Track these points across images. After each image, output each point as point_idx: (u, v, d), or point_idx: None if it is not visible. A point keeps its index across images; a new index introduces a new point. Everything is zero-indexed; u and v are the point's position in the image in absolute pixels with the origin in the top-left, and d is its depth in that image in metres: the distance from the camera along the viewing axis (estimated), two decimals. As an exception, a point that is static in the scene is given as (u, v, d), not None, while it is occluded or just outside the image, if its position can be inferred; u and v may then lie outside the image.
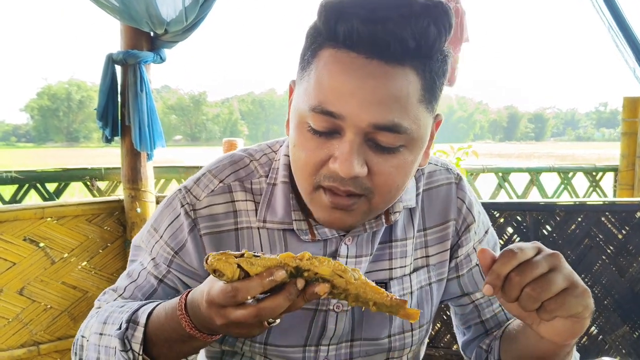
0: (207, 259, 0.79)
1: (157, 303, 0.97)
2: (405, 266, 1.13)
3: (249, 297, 0.77)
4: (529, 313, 0.86)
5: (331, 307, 1.08)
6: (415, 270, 1.14)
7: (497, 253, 1.21)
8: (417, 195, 1.14)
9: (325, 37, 0.88)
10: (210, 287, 0.82)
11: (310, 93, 0.89)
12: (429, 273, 1.16)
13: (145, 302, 1.02)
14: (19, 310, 2.72)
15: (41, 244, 2.77)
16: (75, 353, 1.07)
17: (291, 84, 1.01)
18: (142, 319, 0.94)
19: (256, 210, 1.07)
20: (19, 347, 2.72)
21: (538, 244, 0.87)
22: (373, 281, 1.09)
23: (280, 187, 1.06)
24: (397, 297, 0.84)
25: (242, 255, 0.79)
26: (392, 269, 1.12)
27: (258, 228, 1.07)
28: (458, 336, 1.29)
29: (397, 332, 1.14)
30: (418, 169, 1.15)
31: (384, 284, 1.10)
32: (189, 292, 0.89)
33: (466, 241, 1.17)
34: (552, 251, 0.86)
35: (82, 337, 1.06)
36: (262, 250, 1.07)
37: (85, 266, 2.90)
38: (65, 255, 2.84)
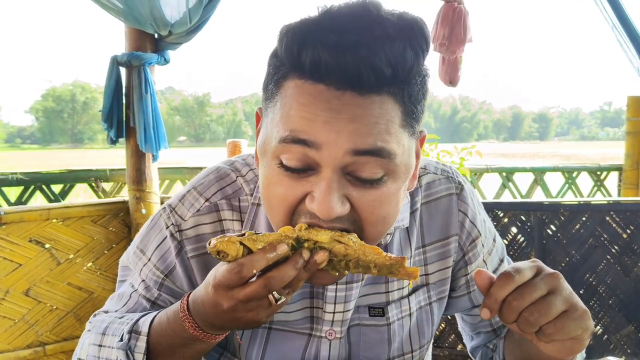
0: (210, 242, 0.79)
1: (157, 312, 0.96)
2: (402, 288, 1.07)
3: (254, 271, 0.76)
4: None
5: (323, 335, 1.03)
6: (414, 290, 1.08)
7: (505, 258, 1.19)
8: (415, 211, 1.07)
9: (288, 67, 0.79)
10: (215, 273, 0.81)
11: (278, 123, 0.80)
12: (429, 292, 1.10)
13: (145, 312, 1.00)
14: (25, 311, 2.73)
15: (47, 245, 2.78)
16: None
17: (258, 112, 0.92)
18: (145, 328, 0.93)
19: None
20: (25, 347, 2.74)
21: (538, 262, 0.84)
22: (368, 306, 1.05)
23: (264, 208, 1.00)
24: (395, 255, 0.83)
25: (242, 235, 0.79)
26: (388, 292, 1.06)
27: None
28: (465, 339, 1.27)
29: (396, 355, 1.09)
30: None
31: (381, 309, 1.05)
32: (190, 293, 0.88)
33: (475, 257, 1.12)
34: (551, 271, 0.83)
35: (79, 359, 1.03)
36: None
37: (91, 267, 2.92)
38: (71, 256, 2.85)
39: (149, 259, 1.04)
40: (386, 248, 1.04)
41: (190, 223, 1.02)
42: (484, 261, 1.15)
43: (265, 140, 0.84)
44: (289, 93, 0.80)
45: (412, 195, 1.08)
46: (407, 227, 1.07)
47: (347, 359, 1.07)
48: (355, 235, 0.82)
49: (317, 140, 0.77)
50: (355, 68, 0.74)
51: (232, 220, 1.03)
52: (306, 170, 0.80)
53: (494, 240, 1.17)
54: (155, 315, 0.94)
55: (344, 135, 0.76)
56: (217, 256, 0.79)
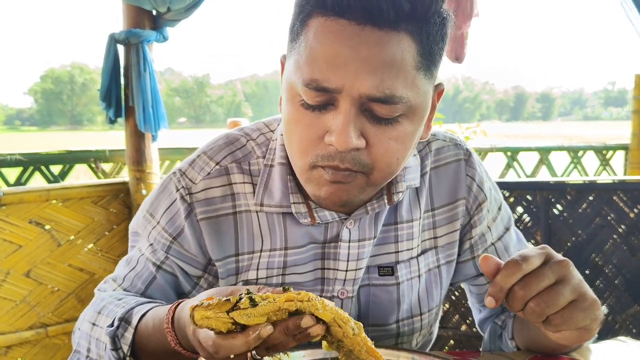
0: (193, 315, 0.71)
1: (151, 306, 0.94)
2: (412, 249, 1.09)
3: (231, 356, 0.71)
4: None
5: (336, 294, 1.05)
6: (423, 252, 1.10)
7: (512, 229, 1.19)
8: (424, 174, 1.09)
9: (313, 4, 0.82)
10: (195, 332, 0.76)
11: (302, 67, 0.83)
12: (438, 255, 1.12)
13: (142, 300, 0.98)
14: (26, 292, 2.72)
15: (47, 227, 2.75)
16: (73, 342, 1.05)
17: (282, 59, 0.95)
18: (135, 320, 0.91)
19: (254, 192, 1.02)
20: (27, 329, 2.73)
21: (547, 249, 0.82)
22: (378, 266, 1.07)
23: (278, 168, 1.01)
24: None
25: (235, 305, 0.71)
26: (398, 252, 1.08)
27: (257, 211, 1.02)
28: (474, 313, 1.27)
29: (405, 317, 1.11)
30: (424, 146, 1.11)
31: (390, 268, 1.07)
32: (178, 304, 0.85)
33: (479, 221, 1.13)
34: (560, 258, 0.81)
35: (79, 329, 1.04)
36: (261, 235, 1.02)
37: (92, 248, 2.89)
38: (72, 237, 2.83)
39: (158, 222, 1.04)
40: (396, 207, 1.06)
41: (201, 186, 1.02)
42: (488, 227, 1.15)
43: (289, 82, 0.87)
44: (312, 32, 0.83)
45: (422, 159, 1.09)
46: (416, 188, 1.08)
47: (356, 319, 1.07)
48: (361, 326, 0.78)
49: (336, 86, 0.81)
50: (375, 3, 0.78)
51: (243, 183, 1.03)
52: (326, 106, 0.84)
53: (500, 208, 1.17)
54: (148, 310, 0.92)
55: (360, 78, 0.80)
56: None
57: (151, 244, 1.05)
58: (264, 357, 0.76)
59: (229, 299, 0.72)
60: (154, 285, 1.04)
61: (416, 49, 0.82)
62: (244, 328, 0.71)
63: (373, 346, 0.78)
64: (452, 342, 2.76)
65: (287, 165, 1.01)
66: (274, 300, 0.72)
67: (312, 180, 0.90)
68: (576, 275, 0.82)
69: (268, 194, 1.01)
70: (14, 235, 2.66)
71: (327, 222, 1.02)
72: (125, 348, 0.91)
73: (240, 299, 0.72)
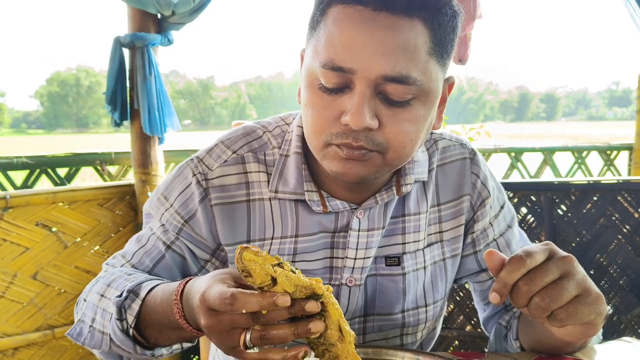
0: (242, 254, 0.73)
1: (161, 282, 0.96)
2: (418, 241, 1.12)
3: (243, 311, 0.72)
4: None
5: (344, 282, 1.08)
6: (429, 245, 1.14)
7: (515, 227, 1.21)
8: (431, 170, 1.13)
9: None
10: (207, 287, 0.77)
11: (320, 51, 0.88)
12: (443, 248, 1.15)
13: (152, 277, 1.01)
14: (33, 294, 2.74)
15: (53, 229, 2.77)
16: (77, 312, 1.07)
17: (301, 52, 1.00)
18: (143, 293, 0.93)
19: (268, 181, 1.06)
20: (34, 330, 2.75)
21: (551, 245, 0.83)
22: (385, 256, 1.10)
23: (293, 157, 1.05)
24: None
25: (279, 264, 0.74)
26: (405, 243, 1.11)
27: (270, 199, 1.06)
28: (479, 312, 1.29)
29: (411, 308, 1.13)
30: (432, 144, 1.15)
31: (397, 258, 1.10)
32: (189, 280, 0.86)
33: (482, 216, 1.16)
34: (564, 254, 0.82)
35: (84, 300, 1.05)
36: (273, 223, 1.06)
37: (98, 250, 2.91)
38: (78, 239, 2.84)
39: (171, 204, 1.07)
40: (404, 200, 1.10)
41: (217, 173, 1.05)
42: (490, 223, 1.18)
43: (308, 68, 0.91)
44: (331, 18, 0.87)
45: (430, 155, 1.14)
46: (423, 183, 1.12)
47: (363, 309, 1.11)
48: (354, 335, 0.79)
49: (352, 66, 0.85)
50: None
51: (258, 172, 1.06)
52: (343, 89, 0.88)
53: (502, 207, 1.21)
54: (157, 285, 0.94)
55: (375, 60, 0.84)
56: (242, 273, 0.74)
57: (162, 225, 1.08)
58: (254, 348, 0.76)
59: (275, 257, 0.75)
60: (162, 264, 1.07)
61: (429, 35, 0.86)
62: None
63: (359, 357, 0.79)
64: (456, 342, 2.76)
65: (302, 155, 1.05)
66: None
67: (327, 157, 0.94)
68: (580, 270, 0.83)
69: (283, 181, 1.05)
70: (20, 237, 2.68)
71: (338, 211, 1.05)
72: (130, 319, 0.92)
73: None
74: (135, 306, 0.92)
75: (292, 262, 1.06)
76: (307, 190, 1.04)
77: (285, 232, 1.06)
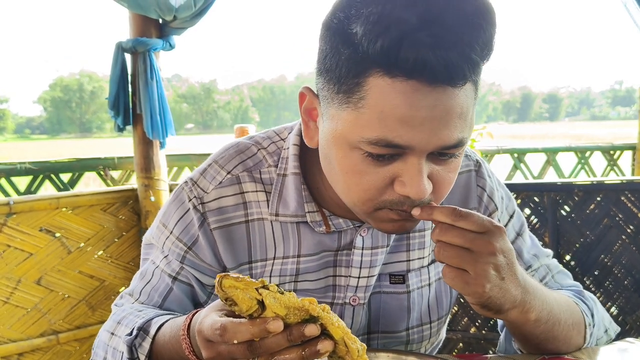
0: (221, 282, 0.70)
1: (172, 316, 0.95)
2: (423, 257, 1.10)
3: (235, 341, 0.70)
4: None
5: (348, 301, 1.05)
6: (434, 261, 1.11)
7: (526, 234, 1.20)
8: None
9: (376, 62, 0.76)
10: (203, 317, 0.76)
11: (365, 125, 0.80)
12: None
13: (161, 312, 0.99)
14: (38, 300, 2.74)
15: (57, 234, 2.78)
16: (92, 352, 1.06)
17: (304, 91, 0.92)
18: (153, 330, 0.91)
19: (267, 200, 1.02)
20: (38, 336, 2.76)
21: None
22: (389, 274, 1.07)
23: (292, 178, 1.01)
24: None
25: (264, 287, 0.70)
26: (409, 260, 1.08)
27: (270, 220, 1.03)
28: None
29: (415, 325, 1.11)
30: None
31: (402, 276, 1.08)
32: (196, 312, 0.84)
33: None
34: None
35: (98, 339, 1.05)
36: (274, 243, 1.03)
37: (102, 255, 2.92)
38: (82, 244, 2.85)
39: (171, 232, 1.04)
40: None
41: (213, 195, 1.02)
42: None
43: (343, 135, 0.83)
44: (378, 92, 0.78)
45: None
46: None
47: (367, 326, 1.09)
48: (365, 347, 0.76)
49: (410, 143, 0.79)
50: (454, 64, 0.74)
51: (256, 191, 1.03)
52: (394, 156, 0.82)
53: (512, 216, 1.18)
54: (167, 320, 0.92)
55: (435, 135, 0.79)
56: (225, 302, 0.71)
57: (165, 256, 1.05)
58: None
59: (260, 280, 0.72)
60: (172, 297, 1.04)
61: (473, 88, 0.82)
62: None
63: None
64: (461, 344, 2.75)
65: (301, 175, 1.01)
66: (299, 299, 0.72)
67: (376, 219, 0.90)
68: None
69: (283, 203, 1.02)
70: (24, 243, 2.69)
71: (341, 230, 1.03)
72: (142, 358, 0.91)
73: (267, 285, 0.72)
74: (146, 344, 0.91)
75: (294, 281, 1.04)
76: (309, 212, 1.00)
77: (288, 252, 1.03)
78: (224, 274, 0.71)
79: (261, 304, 0.70)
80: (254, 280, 0.71)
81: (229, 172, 1.03)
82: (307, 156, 1.01)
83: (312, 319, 0.72)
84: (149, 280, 1.06)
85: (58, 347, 2.81)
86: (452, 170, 0.88)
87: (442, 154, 0.84)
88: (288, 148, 1.04)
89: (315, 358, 0.72)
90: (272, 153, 1.05)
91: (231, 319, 0.71)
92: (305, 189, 1.01)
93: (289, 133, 1.07)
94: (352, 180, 0.86)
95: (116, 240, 2.95)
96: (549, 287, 1.17)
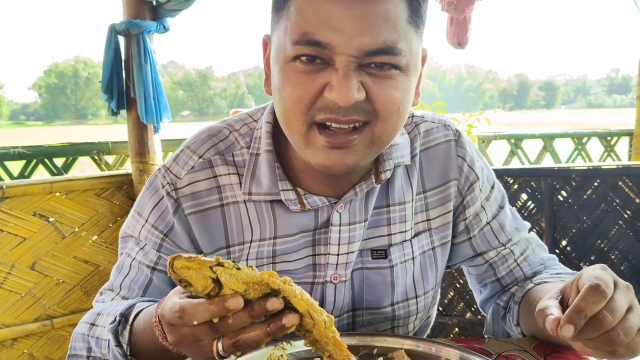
0: (172, 264, 0.67)
1: (150, 303, 0.93)
2: (405, 231, 1.08)
3: (195, 322, 0.69)
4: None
5: (329, 279, 1.04)
6: (417, 235, 1.10)
7: (507, 207, 1.19)
8: (414, 156, 1.08)
9: None
10: (165, 301, 0.75)
11: (292, 28, 0.83)
12: (432, 237, 1.11)
13: (143, 299, 0.98)
14: (32, 285, 2.73)
15: (51, 219, 2.76)
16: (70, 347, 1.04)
17: (265, 39, 0.96)
18: (131, 319, 0.90)
19: (240, 183, 1.01)
20: (32, 321, 2.74)
21: (608, 268, 0.79)
22: (371, 249, 1.06)
23: (264, 156, 1.00)
24: None
25: (219, 264, 0.68)
26: (391, 234, 1.07)
27: (244, 202, 1.01)
28: (475, 294, 1.27)
29: (400, 300, 1.10)
30: (413, 128, 1.10)
31: (383, 251, 1.07)
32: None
33: (472, 201, 1.13)
34: (625, 282, 0.78)
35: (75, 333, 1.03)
36: (250, 226, 1.02)
37: (96, 240, 2.90)
38: (76, 229, 2.83)
39: (146, 220, 1.02)
40: (387, 184, 1.06)
41: (186, 181, 1.01)
42: (482, 206, 1.15)
43: (278, 50, 0.86)
44: None
45: (412, 140, 1.09)
46: (407, 170, 1.08)
47: (351, 303, 1.08)
48: (333, 319, 0.75)
49: (330, 41, 0.80)
50: None
51: (228, 174, 1.02)
52: (321, 64, 0.83)
53: (493, 187, 1.17)
54: (143, 309, 0.91)
55: (356, 35, 0.80)
56: (179, 284, 0.68)
57: (142, 247, 1.03)
58: (239, 356, 0.72)
59: (215, 258, 0.69)
60: (152, 288, 1.03)
61: (406, 4, 0.84)
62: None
63: (340, 339, 0.76)
64: (456, 329, 2.76)
65: (274, 153, 1.00)
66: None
67: (311, 146, 0.88)
68: (635, 299, 0.79)
69: (256, 182, 1.00)
70: (18, 227, 2.66)
71: (317, 208, 1.01)
72: (125, 346, 0.90)
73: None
74: (126, 333, 0.89)
75: (272, 263, 1.02)
76: (283, 190, 0.99)
77: (264, 234, 1.02)
78: (175, 254, 0.68)
79: (217, 282, 0.67)
80: (208, 258, 0.68)
81: (200, 157, 1.02)
82: (282, 135, 0.98)
83: (274, 293, 0.69)
84: (127, 273, 1.04)
85: (53, 332, 2.80)
86: (395, 88, 0.85)
87: (376, 72, 0.83)
88: (261, 127, 1.03)
89: (281, 333, 0.70)
90: (245, 135, 1.04)
91: (190, 300, 0.69)
92: (279, 167, 1.00)
93: (262, 114, 1.06)
94: (286, 93, 0.86)
95: (110, 225, 2.93)
96: (529, 260, 1.17)
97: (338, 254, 1.03)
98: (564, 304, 0.80)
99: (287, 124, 0.90)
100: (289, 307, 0.71)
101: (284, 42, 0.85)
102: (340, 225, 1.02)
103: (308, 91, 0.84)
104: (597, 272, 0.77)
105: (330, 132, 0.86)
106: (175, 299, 0.72)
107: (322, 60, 0.83)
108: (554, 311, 0.75)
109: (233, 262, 0.69)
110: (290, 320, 0.70)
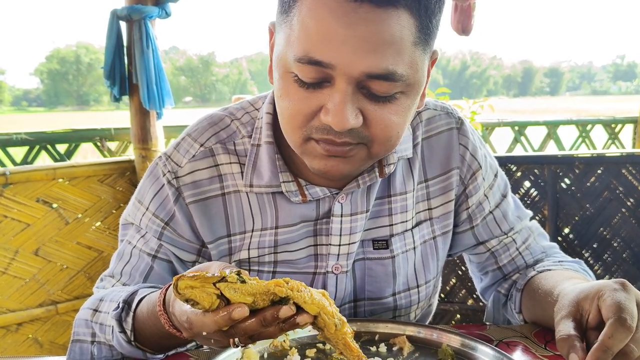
0: (177, 284, 0.67)
1: (152, 290, 0.93)
2: (406, 221, 1.08)
3: (204, 333, 0.70)
4: None
5: (330, 270, 1.04)
6: (418, 224, 1.09)
7: (509, 195, 1.18)
8: (416, 145, 1.07)
9: None
10: (172, 301, 0.76)
11: (294, 42, 0.80)
12: (433, 226, 1.11)
13: (145, 285, 0.98)
14: (36, 270, 2.75)
15: (54, 205, 2.77)
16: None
17: (270, 27, 0.93)
18: (134, 305, 0.90)
19: (242, 172, 1.01)
20: (37, 306, 2.77)
21: (627, 285, 0.78)
22: (372, 240, 1.06)
23: (265, 148, 0.99)
24: None
25: (223, 279, 0.68)
26: (392, 225, 1.07)
27: (246, 192, 1.01)
28: (475, 282, 1.27)
29: (402, 290, 1.10)
30: (415, 116, 1.09)
31: (385, 242, 1.06)
32: (169, 286, 0.83)
33: (475, 189, 1.12)
34: None
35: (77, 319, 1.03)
36: (252, 215, 1.02)
37: (99, 226, 2.91)
38: (79, 215, 2.85)
39: (147, 208, 1.02)
40: (389, 179, 1.05)
41: (187, 169, 1.01)
42: (485, 195, 1.14)
43: (280, 56, 0.84)
44: (306, 6, 0.78)
45: (414, 129, 1.07)
46: (409, 160, 1.07)
47: (352, 294, 1.08)
48: (345, 321, 0.75)
49: (332, 61, 0.77)
50: None
51: (230, 163, 1.01)
52: (321, 83, 0.81)
53: (496, 175, 1.16)
54: (146, 295, 0.91)
55: (358, 56, 0.77)
56: (187, 302, 0.68)
57: (143, 235, 1.03)
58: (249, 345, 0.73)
59: (220, 273, 0.69)
60: (153, 275, 1.03)
61: (415, 25, 0.79)
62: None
63: (352, 340, 0.76)
64: (458, 316, 2.77)
65: (275, 144, 0.99)
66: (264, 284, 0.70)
67: (307, 153, 0.89)
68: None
69: (257, 174, 1.00)
70: (21, 214, 2.68)
71: (319, 199, 1.01)
72: (129, 333, 0.90)
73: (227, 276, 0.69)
74: (130, 319, 0.90)
75: (274, 252, 1.02)
76: (284, 182, 0.98)
77: (265, 224, 1.02)
78: (178, 275, 0.68)
79: (223, 297, 0.68)
80: (211, 275, 0.68)
81: (202, 145, 1.02)
82: None
83: (284, 300, 0.70)
84: (128, 261, 1.04)
85: (57, 317, 2.82)
86: (395, 112, 0.84)
87: (376, 96, 0.81)
88: (262, 117, 1.02)
89: (295, 329, 0.71)
90: (246, 124, 1.03)
91: (196, 311, 0.70)
92: (280, 159, 0.99)
93: (263, 102, 1.05)
94: (283, 104, 0.85)
95: (114, 211, 2.94)
96: (531, 248, 1.16)
97: (339, 245, 1.03)
98: (582, 321, 0.80)
99: (285, 130, 0.90)
100: (301, 309, 0.72)
101: (285, 52, 0.82)
102: (341, 216, 1.01)
103: (304, 109, 0.83)
104: (621, 297, 0.76)
105: (327, 143, 0.85)
106: (181, 308, 0.72)
107: (322, 79, 0.81)
108: (577, 344, 0.75)
109: (237, 274, 0.69)
110: (304, 319, 0.71)
